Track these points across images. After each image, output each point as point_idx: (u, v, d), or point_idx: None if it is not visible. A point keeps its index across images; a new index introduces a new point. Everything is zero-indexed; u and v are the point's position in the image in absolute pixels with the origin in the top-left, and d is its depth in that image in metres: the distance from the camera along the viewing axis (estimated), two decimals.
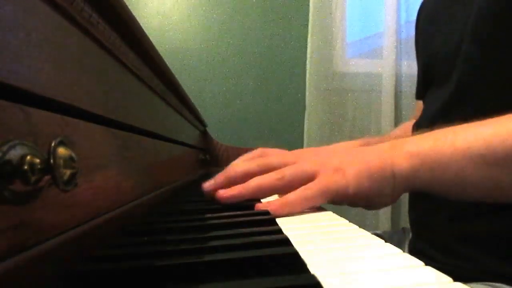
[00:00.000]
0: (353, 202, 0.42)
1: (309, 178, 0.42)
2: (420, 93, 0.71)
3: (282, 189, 0.43)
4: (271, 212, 0.39)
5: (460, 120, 0.43)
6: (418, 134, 0.43)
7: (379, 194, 0.41)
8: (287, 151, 0.57)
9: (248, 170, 0.46)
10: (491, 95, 0.51)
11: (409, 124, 0.84)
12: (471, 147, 0.38)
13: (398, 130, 0.88)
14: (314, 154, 0.46)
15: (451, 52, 0.56)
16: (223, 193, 0.44)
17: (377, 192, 0.41)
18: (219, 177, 0.47)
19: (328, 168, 0.42)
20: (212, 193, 0.45)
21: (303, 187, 0.41)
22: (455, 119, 0.43)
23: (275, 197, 0.45)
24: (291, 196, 0.40)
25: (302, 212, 0.41)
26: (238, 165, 0.47)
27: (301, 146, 1.61)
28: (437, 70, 0.60)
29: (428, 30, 0.65)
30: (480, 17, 0.50)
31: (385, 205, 0.43)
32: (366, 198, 0.41)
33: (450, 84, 0.56)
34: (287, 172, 0.43)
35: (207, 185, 0.47)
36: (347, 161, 0.42)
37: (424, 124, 0.62)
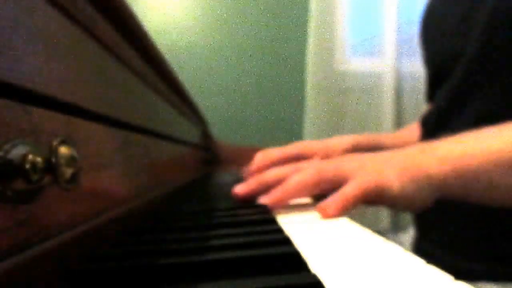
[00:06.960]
0: (394, 203, 0.40)
1: (345, 176, 0.40)
2: (429, 94, 0.71)
3: (321, 182, 0.41)
4: (329, 216, 0.37)
5: (465, 118, 0.42)
6: (446, 137, 0.42)
7: (419, 197, 0.40)
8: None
9: (282, 173, 0.44)
10: (496, 92, 0.51)
11: (415, 127, 0.83)
12: (504, 152, 0.37)
13: (405, 131, 0.85)
14: (345, 160, 0.44)
15: (458, 48, 0.56)
16: (268, 199, 0.41)
17: (418, 194, 0.39)
18: (252, 181, 0.45)
19: (366, 168, 0.40)
20: (244, 197, 0.44)
21: (346, 187, 0.38)
22: (461, 115, 0.42)
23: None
24: (342, 194, 0.38)
25: (300, 212, 0.41)
26: (271, 170, 0.46)
27: None
28: (444, 69, 0.60)
29: (436, 32, 0.65)
30: (492, 17, 0.50)
31: (423, 208, 0.41)
32: (409, 200, 0.40)
33: (455, 79, 0.56)
34: (325, 167, 0.42)
35: (239, 188, 0.45)
36: (381, 163, 0.41)
37: (431, 120, 0.62)
